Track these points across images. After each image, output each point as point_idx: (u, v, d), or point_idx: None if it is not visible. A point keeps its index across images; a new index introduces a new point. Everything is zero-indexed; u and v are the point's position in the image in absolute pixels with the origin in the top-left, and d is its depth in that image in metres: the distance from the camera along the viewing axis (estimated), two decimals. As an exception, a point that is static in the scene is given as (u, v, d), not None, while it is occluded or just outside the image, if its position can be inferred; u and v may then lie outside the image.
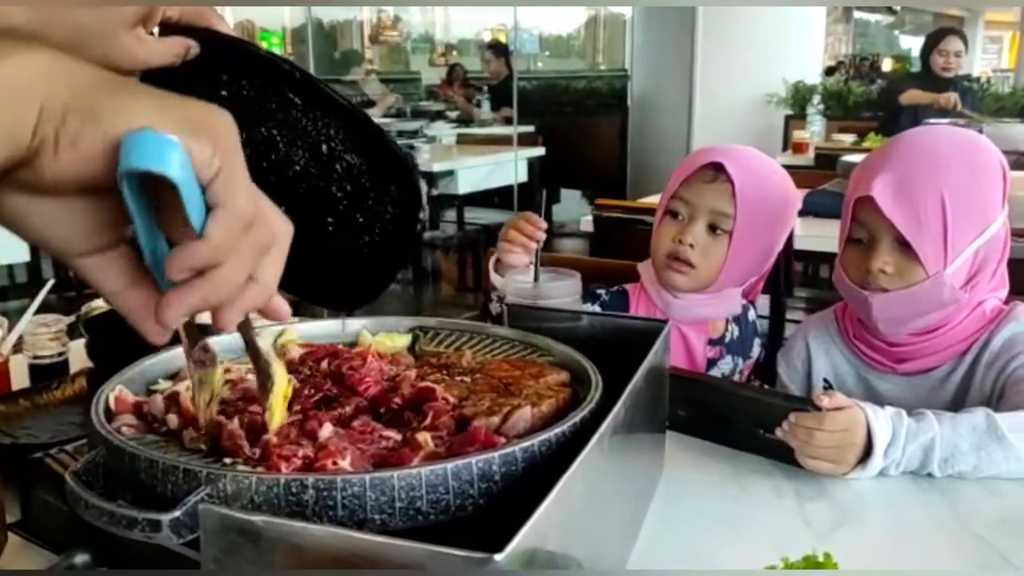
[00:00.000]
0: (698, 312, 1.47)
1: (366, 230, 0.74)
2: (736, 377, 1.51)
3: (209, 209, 0.47)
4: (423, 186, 0.76)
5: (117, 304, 0.51)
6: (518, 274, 1.34)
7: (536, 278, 1.30)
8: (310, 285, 0.76)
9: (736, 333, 1.52)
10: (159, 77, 0.68)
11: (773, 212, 1.44)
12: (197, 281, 0.47)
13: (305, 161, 0.75)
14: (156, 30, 0.67)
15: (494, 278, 1.44)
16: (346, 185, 0.75)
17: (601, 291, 1.52)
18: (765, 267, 1.50)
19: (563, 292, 1.28)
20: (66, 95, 0.44)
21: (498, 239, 1.43)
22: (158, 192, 0.46)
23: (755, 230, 1.41)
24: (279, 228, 0.51)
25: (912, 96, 4.61)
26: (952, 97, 4.49)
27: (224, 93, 0.75)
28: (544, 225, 1.37)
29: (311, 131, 0.75)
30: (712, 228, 1.41)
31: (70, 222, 0.48)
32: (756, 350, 1.56)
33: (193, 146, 0.45)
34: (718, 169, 1.41)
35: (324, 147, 0.75)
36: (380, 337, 0.97)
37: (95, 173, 0.44)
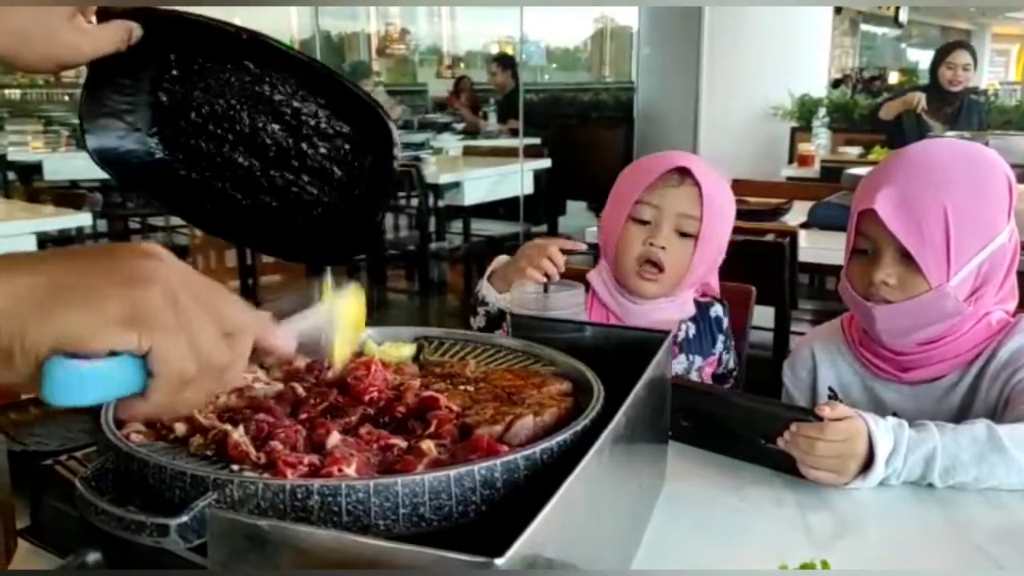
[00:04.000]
0: (656, 317, 1.48)
1: (348, 182, 0.74)
2: (694, 375, 1.51)
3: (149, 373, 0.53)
4: (392, 125, 0.76)
5: None
6: (524, 285, 1.35)
7: (546, 289, 1.34)
8: (297, 245, 0.76)
9: (692, 331, 1.53)
10: (107, 66, 0.68)
11: (728, 214, 1.52)
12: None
13: (272, 126, 0.76)
14: (94, 19, 0.67)
15: (486, 288, 1.45)
16: (317, 141, 0.76)
17: None
18: (716, 267, 1.57)
19: (567, 303, 1.30)
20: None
21: (518, 255, 1.45)
22: None
23: (714, 232, 1.47)
24: (214, 356, 0.55)
25: (887, 109, 4.63)
26: (917, 96, 4.49)
27: (175, 73, 0.74)
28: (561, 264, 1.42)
29: (272, 94, 0.75)
30: (678, 231, 1.46)
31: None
32: (719, 347, 1.55)
33: (123, 340, 0.51)
34: (682, 174, 1.46)
35: (288, 108, 0.75)
36: (385, 347, 0.98)
37: (31, 385, 0.49)
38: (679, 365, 1.50)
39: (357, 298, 0.75)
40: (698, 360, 1.52)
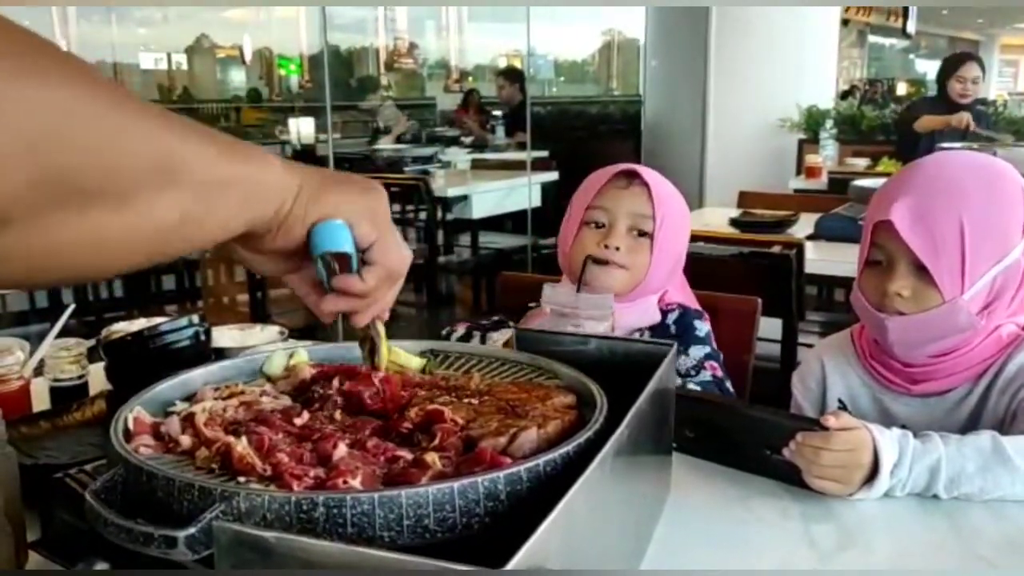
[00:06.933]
0: (618, 322, 1.44)
1: None
2: None
3: (365, 263, 0.72)
4: None
5: (305, 300, 0.78)
6: (556, 286, 1.38)
7: (579, 287, 1.37)
8: None
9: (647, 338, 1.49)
10: None
11: (682, 220, 1.53)
12: (350, 298, 0.74)
13: None
14: None
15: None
16: None
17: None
18: (677, 273, 1.57)
19: (597, 304, 1.32)
20: (292, 199, 0.66)
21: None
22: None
23: (669, 232, 1.48)
24: (404, 265, 0.76)
25: (926, 123, 4.61)
26: (964, 117, 4.47)
27: None
28: None
29: None
30: (633, 231, 1.47)
31: (274, 263, 0.73)
32: (686, 361, 1.47)
33: (361, 228, 0.70)
34: (629, 177, 1.49)
35: None
36: (392, 353, 0.99)
37: (295, 246, 0.68)
38: None
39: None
40: None
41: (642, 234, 1.48)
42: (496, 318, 1.61)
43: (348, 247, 0.70)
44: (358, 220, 0.70)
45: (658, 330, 1.51)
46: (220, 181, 0.59)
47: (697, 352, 1.48)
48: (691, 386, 1.42)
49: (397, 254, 0.74)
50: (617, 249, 1.46)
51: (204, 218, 0.58)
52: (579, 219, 1.51)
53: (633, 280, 1.48)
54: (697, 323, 1.52)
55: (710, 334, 1.53)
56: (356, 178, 0.73)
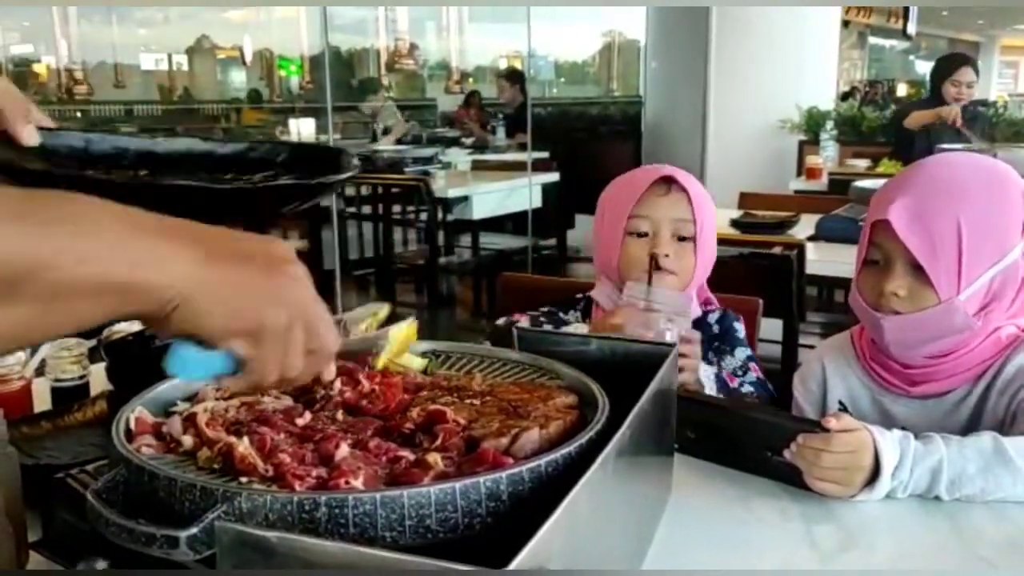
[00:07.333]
0: None
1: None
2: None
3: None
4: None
5: None
6: (637, 284, 1.42)
7: (650, 282, 1.41)
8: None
9: None
10: None
11: (714, 219, 1.57)
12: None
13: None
14: None
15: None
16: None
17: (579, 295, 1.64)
18: (711, 269, 1.61)
19: (670, 300, 1.35)
20: (171, 307, 0.58)
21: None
22: None
23: (709, 232, 1.53)
24: (300, 376, 0.67)
25: (916, 119, 4.60)
26: (954, 110, 4.47)
27: None
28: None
29: None
30: (675, 237, 1.51)
31: None
32: (732, 361, 1.55)
33: (237, 346, 0.62)
34: (667, 182, 1.52)
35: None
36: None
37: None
38: None
39: (410, 327, 0.90)
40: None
41: (683, 238, 1.51)
42: (545, 308, 1.64)
43: (196, 373, 0.65)
44: (231, 342, 0.62)
45: (700, 326, 1.55)
46: (85, 286, 0.54)
47: (741, 354, 1.54)
48: (746, 387, 1.47)
49: (279, 371, 0.65)
50: (666, 256, 1.49)
51: (51, 323, 0.55)
52: (621, 228, 1.52)
53: (682, 284, 1.51)
54: (736, 325, 1.58)
55: (747, 336, 1.58)
56: (271, 277, 0.63)
